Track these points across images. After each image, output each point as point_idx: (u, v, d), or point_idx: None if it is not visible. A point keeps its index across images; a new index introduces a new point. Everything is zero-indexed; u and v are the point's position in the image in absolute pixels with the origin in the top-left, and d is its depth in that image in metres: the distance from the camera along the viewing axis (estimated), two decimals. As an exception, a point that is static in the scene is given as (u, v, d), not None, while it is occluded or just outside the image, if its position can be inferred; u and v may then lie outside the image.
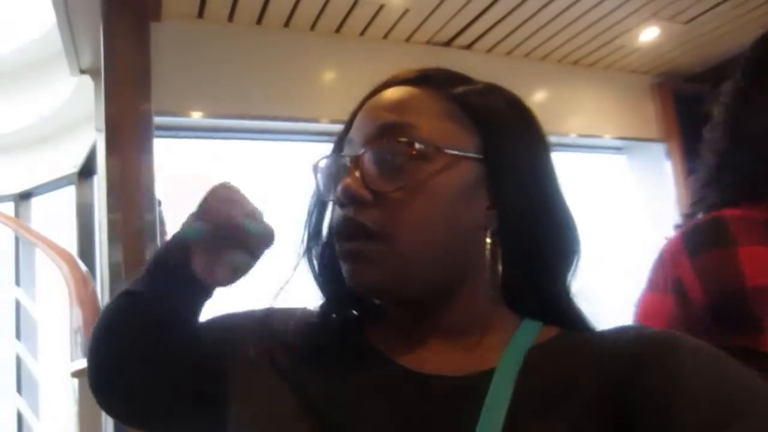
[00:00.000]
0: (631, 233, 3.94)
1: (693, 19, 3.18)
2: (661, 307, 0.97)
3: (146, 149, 2.51)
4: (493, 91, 0.69)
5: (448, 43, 3.23)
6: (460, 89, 0.67)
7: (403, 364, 0.63)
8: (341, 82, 3.10)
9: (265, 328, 0.70)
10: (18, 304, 3.44)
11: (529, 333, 0.64)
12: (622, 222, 3.99)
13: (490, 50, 3.32)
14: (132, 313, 0.68)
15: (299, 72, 3.00)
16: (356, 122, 0.67)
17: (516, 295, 0.66)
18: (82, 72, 3.07)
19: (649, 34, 3.30)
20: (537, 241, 0.64)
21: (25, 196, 3.97)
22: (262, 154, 3.18)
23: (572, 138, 3.63)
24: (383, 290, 0.63)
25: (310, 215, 0.71)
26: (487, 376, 0.59)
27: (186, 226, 0.66)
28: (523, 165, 0.65)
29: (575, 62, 3.58)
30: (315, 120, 3.01)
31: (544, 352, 0.61)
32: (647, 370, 0.54)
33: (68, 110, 3.55)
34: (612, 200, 4.04)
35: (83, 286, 2.52)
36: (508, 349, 0.62)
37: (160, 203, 2.53)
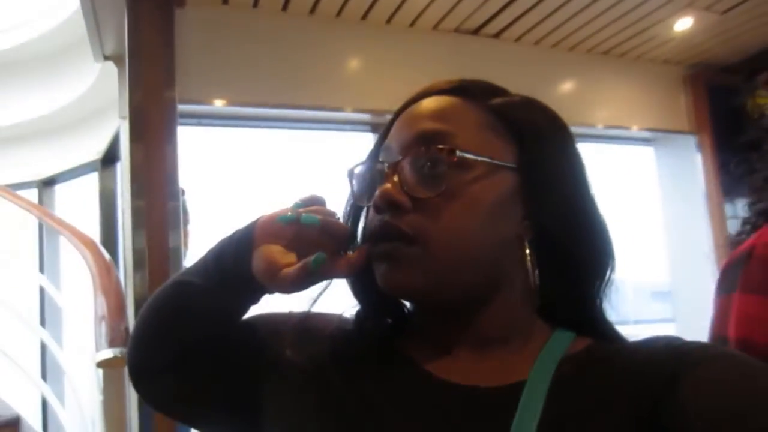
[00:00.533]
0: (656, 225, 3.89)
1: (729, 9, 3.09)
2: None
3: (170, 137, 2.50)
4: (530, 104, 0.70)
5: (476, 32, 3.17)
6: (498, 101, 0.67)
7: (433, 373, 0.64)
8: (367, 70, 3.06)
9: (303, 332, 0.72)
10: (42, 291, 3.46)
11: (561, 343, 0.64)
12: (648, 214, 3.93)
13: (518, 39, 3.26)
14: (183, 301, 0.69)
15: (324, 60, 2.96)
16: (394, 130, 0.68)
17: (548, 304, 0.66)
18: (106, 58, 3.05)
19: (684, 24, 3.21)
20: (571, 252, 0.64)
21: (48, 183, 3.99)
22: (286, 143, 3.15)
23: (600, 129, 3.56)
24: (415, 293, 0.63)
25: (345, 221, 0.71)
26: (519, 388, 0.59)
27: (283, 213, 0.66)
28: (559, 177, 0.65)
29: (605, 52, 3.50)
30: (339, 109, 2.97)
31: (576, 365, 0.61)
32: (679, 385, 0.53)
33: (91, 97, 3.55)
34: (639, 192, 3.97)
35: (107, 274, 2.50)
36: (540, 361, 0.62)
37: (183, 192, 2.51)
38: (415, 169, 0.62)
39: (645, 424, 0.54)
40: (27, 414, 3.08)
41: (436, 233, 0.60)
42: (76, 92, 3.62)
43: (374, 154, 0.69)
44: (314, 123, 3.12)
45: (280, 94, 2.85)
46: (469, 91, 0.68)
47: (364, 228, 0.69)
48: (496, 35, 3.20)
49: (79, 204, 3.87)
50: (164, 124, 2.49)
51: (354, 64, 3.06)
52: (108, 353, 1.96)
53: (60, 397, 3.00)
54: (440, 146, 0.61)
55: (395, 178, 0.62)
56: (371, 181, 0.67)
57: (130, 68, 2.48)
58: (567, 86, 3.47)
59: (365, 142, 3.11)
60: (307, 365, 0.68)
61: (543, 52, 3.36)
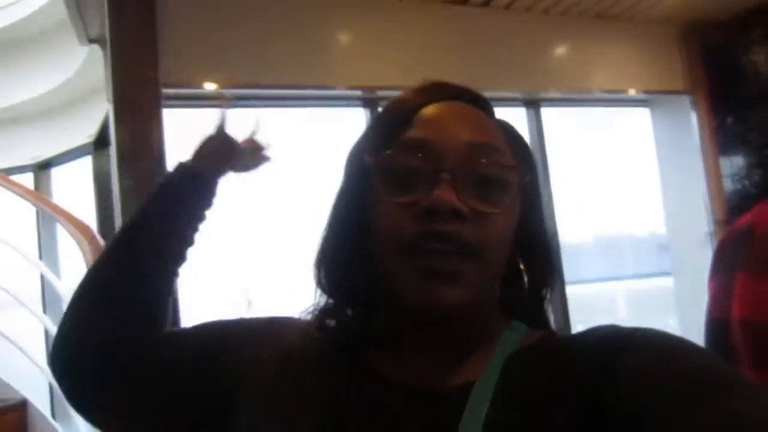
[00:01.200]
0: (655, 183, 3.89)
1: (722, -35, 3.02)
2: None
3: (155, 117, 2.48)
4: (514, 127, 0.74)
5: (464, 1, 3.11)
6: (502, 121, 0.72)
7: (390, 377, 0.64)
8: (355, 46, 3.01)
9: (271, 336, 0.71)
10: (43, 278, 3.48)
11: (514, 338, 0.66)
12: (648, 173, 3.93)
13: (508, 6, 3.20)
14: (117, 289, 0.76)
15: (312, 37, 2.92)
16: (429, 128, 0.65)
17: (508, 298, 0.70)
18: (91, 41, 3.01)
19: (675, -18, 3.16)
20: (540, 255, 0.70)
21: (44, 166, 3.98)
22: (280, 121, 3.13)
23: (596, 94, 3.54)
24: (460, 309, 0.61)
25: (348, 211, 0.68)
26: (470, 387, 0.60)
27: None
28: (539, 199, 0.72)
29: (598, 15, 3.44)
30: (331, 87, 2.94)
31: (526, 360, 0.63)
32: (611, 375, 0.55)
33: (81, 80, 3.51)
34: (635, 155, 3.96)
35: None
36: (494, 358, 0.63)
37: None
38: (476, 181, 0.62)
39: (592, 418, 0.55)
40: (34, 397, 3.14)
41: (492, 249, 0.62)
42: (65, 74, 3.57)
43: (402, 146, 0.64)
44: (306, 101, 3.10)
45: (268, 75, 2.82)
46: (479, 101, 0.70)
47: (393, 226, 0.62)
48: (485, 4, 3.15)
49: (76, 187, 3.87)
50: (149, 105, 2.47)
51: (344, 39, 3.02)
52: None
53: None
54: (502, 161, 0.64)
55: (452, 186, 0.60)
56: (412, 178, 0.62)
57: (112, 49, 2.46)
58: (561, 52, 3.43)
59: (357, 117, 3.09)
60: (276, 368, 0.67)
61: (534, 19, 3.31)
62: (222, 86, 2.75)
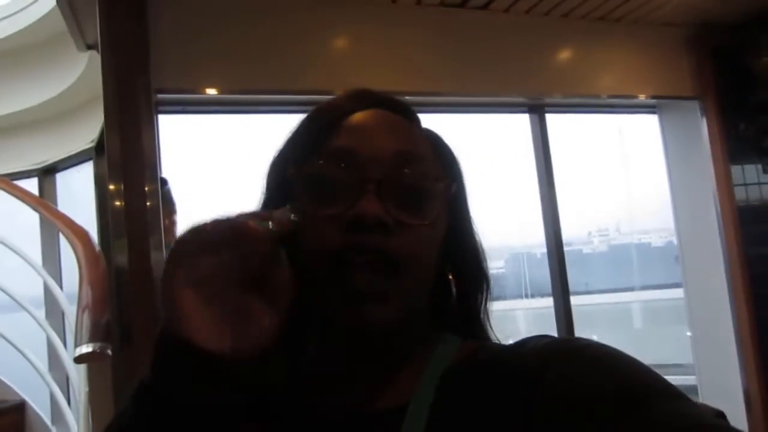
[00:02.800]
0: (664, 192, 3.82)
1: (728, -34, 2.95)
2: None
3: (148, 123, 2.47)
4: (441, 136, 0.73)
5: (462, 5, 3.07)
6: (428, 131, 0.71)
7: (316, 404, 0.63)
8: (354, 50, 2.99)
9: None
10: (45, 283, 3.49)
11: (446, 352, 0.65)
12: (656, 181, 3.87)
13: (507, 10, 3.15)
14: None
15: (309, 41, 2.89)
16: (352, 138, 0.63)
17: (438, 311, 0.70)
18: (89, 47, 3.03)
19: (681, -16, 3.08)
20: (468, 265, 0.70)
21: (48, 172, 4.02)
22: (274, 128, 3.12)
23: (602, 99, 3.48)
24: (390, 327, 0.60)
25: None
26: (405, 407, 0.59)
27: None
28: (467, 202, 0.72)
29: (601, 18, 3.37)
30: (329, 92, 2.91)
31: (458, 376, 0.62)
32: (544, 381, 0.55)
33: (83, 86, 3.55)
34: (643, 161, 3.89)
35: (95, 265, 2.52)
36: (426, 376, 0.62)
37: (165, 182, 2.49)
38: (401, 191, 0.61)
39: (526, 427, 0.54)
40: (32, 400, 3.16)
41: (417, 260, 0.60)
42: (68, 81, 3.62)
43: (327, 155, 0.63)
44: (302, 106, 3.08)
45: (262, 80, 2.80)
46: (409, 112, 0.69)
47: (319, 239, 0.59)
48: (485, 7, 3.10)
49: (80, 193, 3.90)
50: (141, 111, 2.46)
51: (339, 43, 2.99)
52: (87, 348, 1.97)
53: (65, 392, 3.05)
54: (428, 172, 0.63)
55: (378, 196, 0.59)
56: (337, 189, 0.61)
57: (103, 54, 2.46)
58: (563, 55, 3.37)
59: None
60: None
61: (535, 21, 3.25)
62: (216, 92, 2.74)
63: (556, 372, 0.55)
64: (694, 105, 3.61)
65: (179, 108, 2.84)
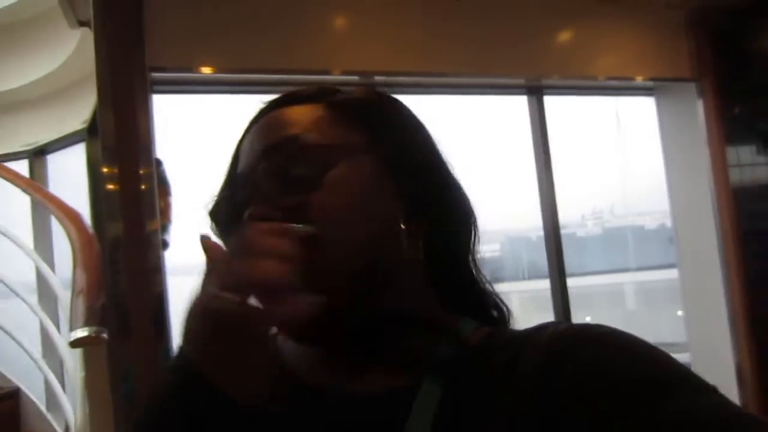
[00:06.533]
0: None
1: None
2: None
3: (142, 102, 2.42)
4: (367, 91, 0.72)
5: (463, -16, 3.03)
6: (337, 97, 0.69)
7: (324, 383, 0.62)
8: (354, 29, 2.94)
9: None
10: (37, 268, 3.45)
11: (462, 334, 0.64)
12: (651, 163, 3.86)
13: (507, -9, 3.11)
14: None
15: (308, 20, 2.84)
16: (239, 163, 0.67)
17: (448, 293, 0.68)
18: (81, 24, 2.96)
19: (682, -35, 3.05)
20: (437, 216, 0.67)
21: (39, 153, 3.95)
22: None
23: (601, 80, 3.46)
24: (339, 304, 0.58)
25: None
26: (416, 388, 0.58)
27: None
28: (409, 153, 0.67)
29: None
30: (327, 72, 2.87)
31: (473, 359, 0.60)
32: (567, 369, 0.54)
33: (74, 64, 3.47)
34: (638, 145, 3.88)
35: (88, 248, 2.48)
36: (437, 356, 0.60)
37: (159, 163, 2.45)
38: (283, 180, 0.61)
39: (546, 416, 0.53)
40: (27, 387, 3.12)
41: (337, 222, 0.60)
42: (59, 59, 3.54)
43: (220, 192, 0.69)
44: (301, 86, 3.02)
45: (261, 59, 2.74)
46: (300, 97, 0.68)
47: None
48: (485, -14, 3.06)
49: (73, 174, 3.83)
50: (135, 90, 2.41)
51: (340, 23, 2.95)
52: (82, 332, 1.94)
53: (58, 370, 3.02)
54: (305, 147, 0.62)
55: (258, 209, 0.60)
56: (234, 219, 0.64)
57: (96, 31, 2.40)
58: (563, 37, 3.34)
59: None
60: None
61: (534, 2, 3.21)
62: (212, 70, 2.69)
63: (582, 360, 0.54)
64: (691, 87, 3.60)
65: (175, 87, 2.79)
